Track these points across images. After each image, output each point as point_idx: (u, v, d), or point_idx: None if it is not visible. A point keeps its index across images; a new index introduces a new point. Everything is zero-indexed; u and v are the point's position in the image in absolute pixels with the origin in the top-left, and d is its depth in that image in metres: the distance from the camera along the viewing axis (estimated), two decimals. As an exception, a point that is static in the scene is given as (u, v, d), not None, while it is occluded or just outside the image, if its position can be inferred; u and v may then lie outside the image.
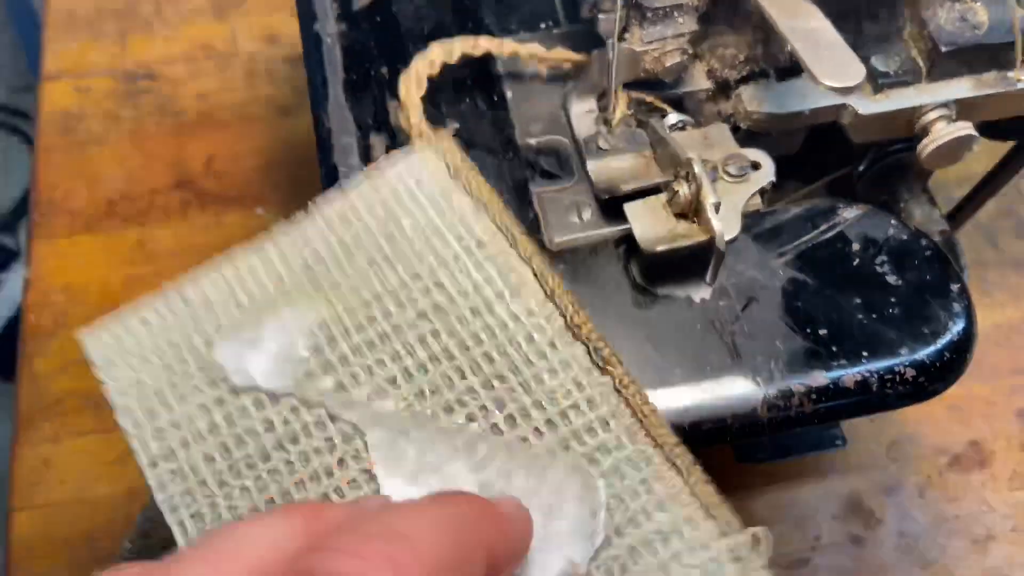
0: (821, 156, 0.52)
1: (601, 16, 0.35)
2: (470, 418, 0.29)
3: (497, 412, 0.29)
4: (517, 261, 0.31)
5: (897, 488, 0.55)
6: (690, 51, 0.38)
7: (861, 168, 0.48)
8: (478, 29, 0.43)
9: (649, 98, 0.40)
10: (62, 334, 0.61)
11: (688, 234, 0.34)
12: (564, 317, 0.30)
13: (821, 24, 0.34)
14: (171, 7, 0.78)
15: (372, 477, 0.28)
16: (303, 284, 0.31)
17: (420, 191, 0.32)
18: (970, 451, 0.56)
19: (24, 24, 1.49)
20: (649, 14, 0.37)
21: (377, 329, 0.31)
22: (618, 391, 0.29)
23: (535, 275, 0.31)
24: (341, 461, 0.29)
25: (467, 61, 0.43)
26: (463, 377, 0.29)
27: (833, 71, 0.32)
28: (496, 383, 0.29)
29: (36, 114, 0.72)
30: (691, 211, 0.34)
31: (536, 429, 0.29)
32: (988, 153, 0.57)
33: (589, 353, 0.30)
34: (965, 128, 0.39)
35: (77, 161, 0.68)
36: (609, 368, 0.29)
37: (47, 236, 0.64)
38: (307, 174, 0.68)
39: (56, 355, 0.60)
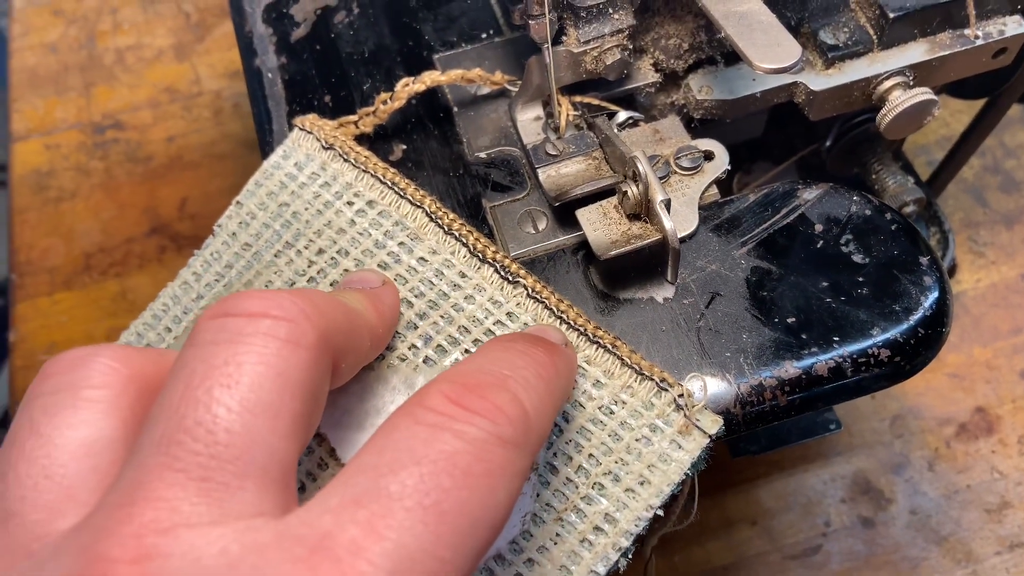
0: (788, 136, 0.51)
1: (532, 22, 0.35)
2: (402, 358, 0.30)
3: (425, 347, 0.30)
4: (410, 208, 0.33)
5: (904, 464, 0.53)
6: (630, 46, 0.37)
7: (828, 143, 0.47)
8: (418, 46, 0.43)
9: (595, 100, 0.39)
10: (51, 394, 0.60)
11: (642, 235, 0.33)
12: (467, 247, 0.32)
13: (754, 6, 0.33)
14: (132, 54, 0.78)
15: (323, 439, 0.29)
16: (222, 295, 0.33)
17: (300, 172, 0.34)
18: (976, 418, 0.54)
19: (3, 80, 1.49)
20: (583, 13, 0.36)
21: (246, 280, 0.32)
22: (533, 298, 0.31)
23: (429, 217, 0.32)
24: None
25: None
26: None
27: (767, 54, 0.31)
28: (419, 322, 0.31)
29: (8, 176, 0.72)
30: (643, 211, 0.33)
31: (466, 351, 0.30)
32: (969, 111, 0.56)
33: (498, 272, 0.31)
34: (923, 93, 0.37)
35: (52, 218, 0.68)
36: (520, 279, 0.31)
37: (28, 297, 0.64)
38: (281, 206, 0.68)
39: (46, 415, 0.60)
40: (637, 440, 0.29)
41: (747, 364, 0.32)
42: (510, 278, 0.31)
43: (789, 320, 0.33)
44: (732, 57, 0.40)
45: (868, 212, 0.35)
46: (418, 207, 0.33)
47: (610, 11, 0.36)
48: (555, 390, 0.25)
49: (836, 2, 0.39)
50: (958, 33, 0.39)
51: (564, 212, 0.36)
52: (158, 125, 0.73)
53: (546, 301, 0.31)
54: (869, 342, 0.32)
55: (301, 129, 0.35)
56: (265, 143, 0.40)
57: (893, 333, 0.32)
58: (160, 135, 0.72)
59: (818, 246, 0.35)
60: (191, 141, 0.72)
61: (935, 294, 0.33)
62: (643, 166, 0.32)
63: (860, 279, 0.33)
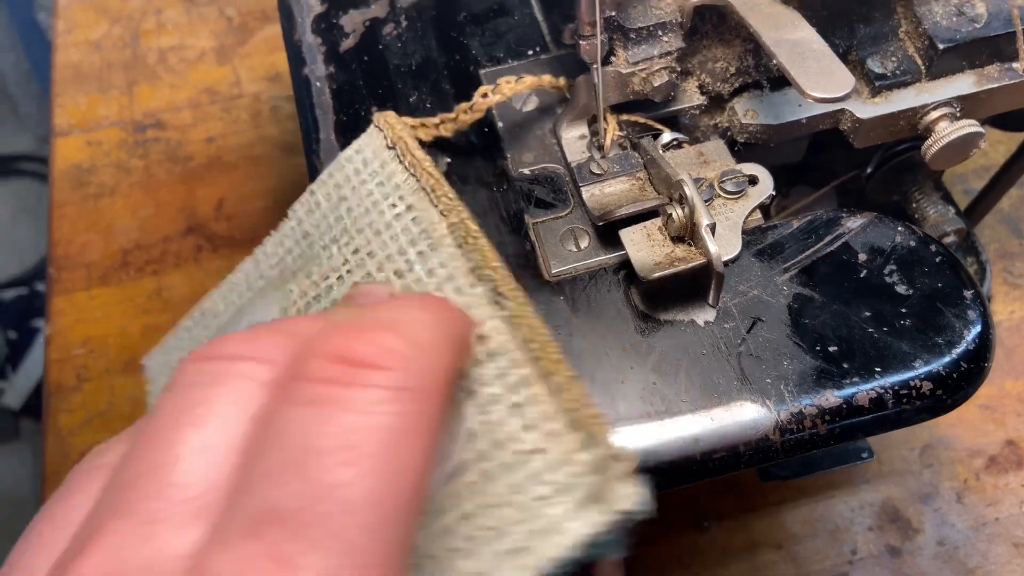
0: (827, 161, 0.51)
1: (583, 42, 0.35)
2: None
3: None
4: (437, 217, 0.31)
5: (933, 495, 0.53)
6: (678, 68, 0.37)
7: (869, 170, 0.47)
8: (466, 61, 0.43)
9: (641, 119, 0.39)
10: (85, 388, 0.61)
11: (686, 258, 0.33)
12: (471, 263, 0.30)
13: (806, 34, 0.33)
14: (175, 55, 0.79)
15: None
16: (275, 278, 0.33)
17: (365, 168, 0.34)
18: (1006, 451, 0.54)
19: (47, 75, 1.51)
20: (633, 35, 0.36)
21: (319, 306, 0.32)
22: (510, 323, 0.28)
23: (449, 229, 0.31)
24: None
25: (453, 92, 0.42)
26: None
27: (820, 82, 0.31)
28: None
29: (50, 170, 0.73)
30: (687, 234, 0.33)
31: None
32: (1009, 141, 0.55)
33: (488, 292, 0.29)
34: (970, 126, 0.37)
35: (91, 214, 0.69)
36: (504, 301, 0.29)
37: (65, 291, 0.65)
38: (316, 211, 0.69)
39: (80, 409, 0.60)
40: (536, 499, 0.24)
41: (788, 391, 0.32)
42: (498, 300, 0.29)
43: (831, 348, 0.33)
44: (778, 82, 0.40)
45: (912, 243, 0.35)
46: (443, 217, 0.32)
47: (660, 33, 0.36)
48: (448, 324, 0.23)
49: (885, 31, 0.39)
50: (1006, 66, 0.39)
51: (606, 231, 0.36)
52: (198, 126, 0.74)
53: (519, 329, 0.28)
54: (911, 374, 0.32)
55: (375, 125, 0.34)
56: (311, 151, 0.41)
57: (935, 366, 0.32)
58: (199, 136, 0.73)
59: (861, 275, 0.35)
60: (229, 143, 0.73)
61: (978, 328, 0.33)
62: (690, 190, 0.32)
63: (903, 310, 0.33)
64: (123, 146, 0.73)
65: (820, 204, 0.48)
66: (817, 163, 0.51)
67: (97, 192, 0.70)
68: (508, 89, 0.38)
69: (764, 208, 0.37)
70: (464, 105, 0.38)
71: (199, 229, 0.68)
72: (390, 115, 0.35)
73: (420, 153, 0.33)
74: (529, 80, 0.39)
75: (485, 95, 0.38)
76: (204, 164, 0.72)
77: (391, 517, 0.18)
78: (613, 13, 0.35)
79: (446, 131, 0.38)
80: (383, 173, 0.34)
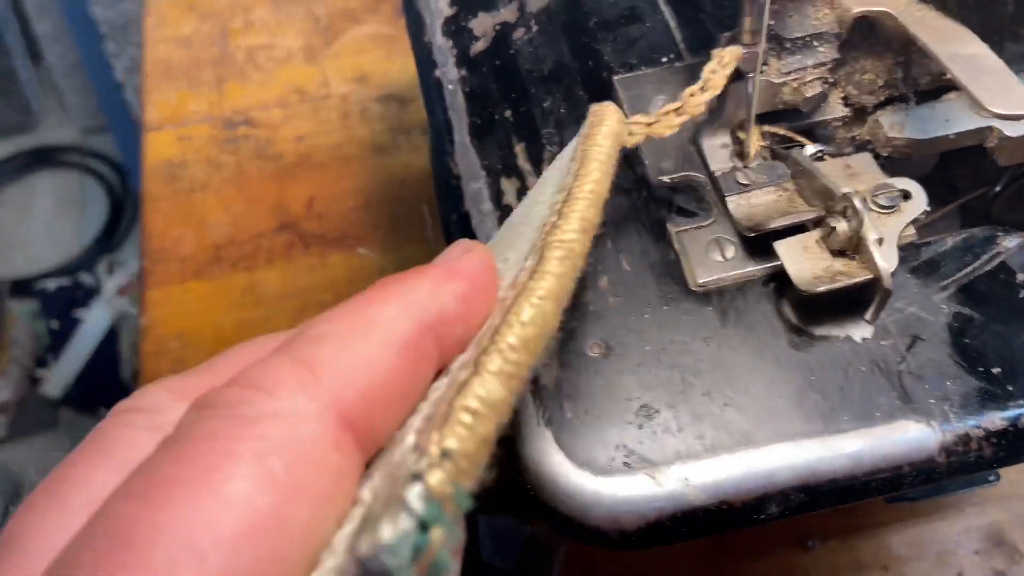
0: (950, 177, 0.50)
1: (743, 52, 0.34)
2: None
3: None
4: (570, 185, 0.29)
5: (1044, 520, 0.52)
6: (831, 80, 0.37)
7: (998, 188, 0.46)
8: (598, 66, 0.43)
9: (782, 130, 0.39)
10: (178, 380, 0.62)
11: (848, 272, 0.33)
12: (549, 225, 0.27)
13: (979, 49, 0.33)
14: (263, 53, 0.79)
15: None
16: (504, 237, 0.33)
17: (570, 150, 0.32)
18: (1122, 479, 0.53)
19: (96, 68, 1.53)
20: (788, 44, 0.36)
21: (505, 256, 0.29)
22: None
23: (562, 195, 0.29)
24: None
25: (587, 98, 0.42)
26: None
27: (1000, 99, 0.31)
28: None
29: (140, 164, 0.74)
30: (850, 247, 0.33)
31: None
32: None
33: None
34: None
35: (183, 209, 0.70)
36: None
37: (160, 284, 0.66)
38: (405, 212, 0.69)
39: (173, 401, 0.61)
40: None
41: (952, 412, 0.31)
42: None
43: (994, 370, 0.32)
44: (924, 96, 0.39)
45: (1074, 264, 0.34)
46: (572, 182, 0.30)
47: (815, 44, 0.36)
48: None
49: (1037, 47, 0.38)
50: None
51: (753, 242, 0.36)
52: (287, 124, 0.74)
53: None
54: (1081, 399, 0.31)
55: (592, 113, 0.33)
56: (445, 152, 0.41)
57: (1107, 391, 0.31)
58: (289, 134, 0.74)
59: (1020, 296, 0.34)
60: (319, 142, 0.73)
61: None
62: (859, 203, 0.32)
63: (1069, 333, 0.33)
64: (214, 142, 0.74)
65: (944, 221, 0.48)
66: (940, 178, 0.50)
67: (189, 187, 0.71)
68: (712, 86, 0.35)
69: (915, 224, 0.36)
70: (692, 88, 0.35)
71: (291, 227, 0.68)
72: (607, 104, 0.33)
73: (606, 134, 0.31)
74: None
75: (692, 95, 0.34)
76: (294, 162, 0.72)
77: None
78: (771, 22, 0.35)
79: (670, 126, 0.35)
80: (573, 152, 0.32)
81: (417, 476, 0.18)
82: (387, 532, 0.17)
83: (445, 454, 0.19)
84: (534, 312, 0.23)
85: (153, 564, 0.16)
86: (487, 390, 0.20)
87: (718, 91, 0.34)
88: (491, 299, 0.23)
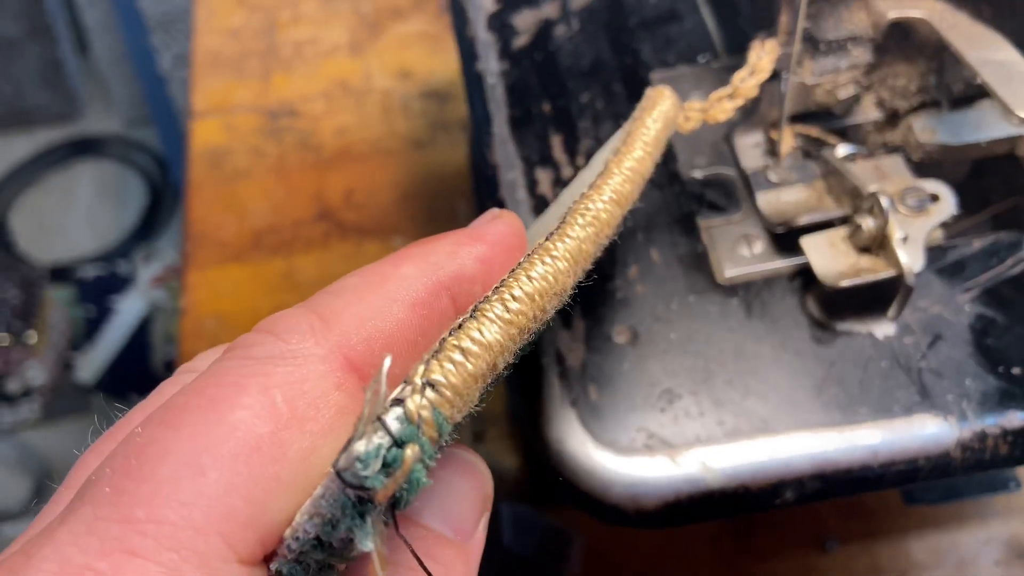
0: (982, 186, 0.50)
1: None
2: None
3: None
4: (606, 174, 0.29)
5: (1066, 534, 0.52)
6: (865, 83, 0.37)
7: (1030, 198, 0.46)
8: (636, 64, 0.44)
9: (815, 132, 0.40)
10: (214, 360, 0.63)
11: (872, 268, 0.33)
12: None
13: (1011, 55, 0.33)
14: (310, 47, 0.81)
15: None
16: (563, 200, 0.32)
17: (629, 120, 0.33)
18: None
19: (141, 60, 1.56)
20: (822, 47, 0.37)
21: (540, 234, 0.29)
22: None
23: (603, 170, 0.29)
24: None
25: (625, 94, 0.43)
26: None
27: (1031, 102, 0.31)
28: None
29: (185, 151, 0.76)
30: (876, 245, 0.34)
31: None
32: None
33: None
34: None
35: (226, 195, 0.72)
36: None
37: (199, 267, 0.68)
38: (442, 205, 0.70)
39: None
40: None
41: (970, 409, 0.32)
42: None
43: (1014, 371, 0.33)
44: (958, 102, 0.40)
45: (1100, 271, 0.35)
46: (612, 158, 0.30)
47: (849, 47, 0.37)
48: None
49: (1073, 58, 0.39)
50: None
51: (781, 238, 0.37)
52: (330, 117, 0.76)
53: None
54: (1101, 402, 0.32)
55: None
56: (483, 143, 0.42)
57: None
58: (331, 126, 0.76)
59: (1045, 300, 0.34)
60: (360, 135, 0.75)
61: None
62: (886, 202, 0.32)
63: (1092, 338, 0.33)
64: (258, 131, 0.76)
65: (975, 228, 0.48)
66: (971, 187, 0.50)
67: (232, 174, 0.73)
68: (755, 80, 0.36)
69: (943, 227, 0.37)
70: (741, 73, 0.35)
71: (329, 216, 0.70)
72: (663, 87, 0.33)
73: (656, 111, 0.32)
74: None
75: (760, 56, 0.35)
76: (335, 154, 0.74)
77: None
78: (807, 24, 0.36)
79: (724, 111, 0.35)
80: (633, 124, 0.32)
81: (398, 401, 0.19)
82: (361, 446, 0.18)
83: (430, 384, 0.20)
84: (545, 269, 0.24)
85: (159, 476, 0.18)
86: (480, 332, 0.21)
87: (766, 75, 0.35)
88: (515, 262, 0.24)
